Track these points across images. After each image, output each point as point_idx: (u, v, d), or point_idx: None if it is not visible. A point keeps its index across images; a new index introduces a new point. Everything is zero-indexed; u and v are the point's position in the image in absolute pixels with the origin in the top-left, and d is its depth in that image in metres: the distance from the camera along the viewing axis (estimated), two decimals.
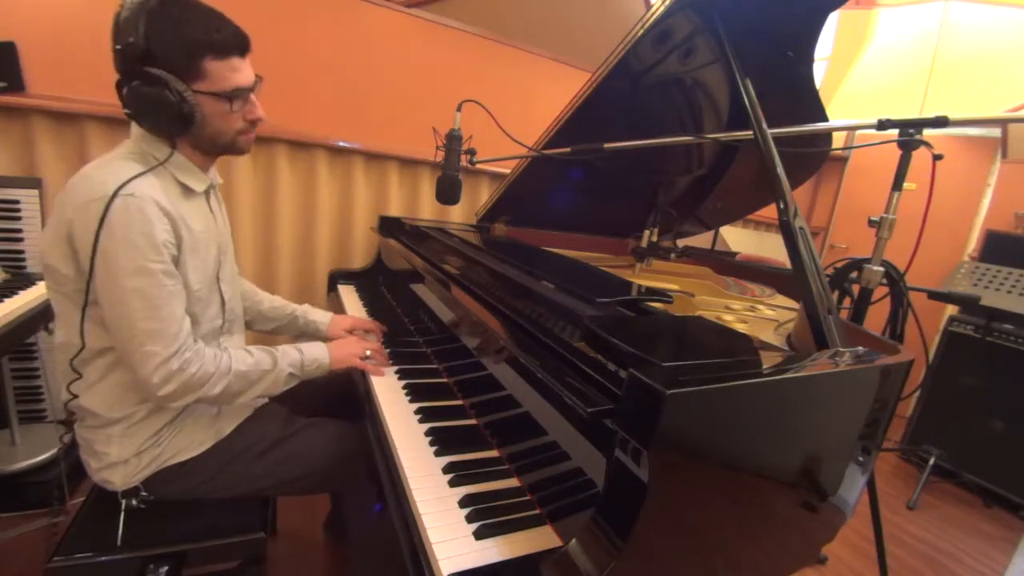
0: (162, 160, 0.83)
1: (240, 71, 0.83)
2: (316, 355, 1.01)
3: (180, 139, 0.85)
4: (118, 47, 0.76)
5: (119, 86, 0.78)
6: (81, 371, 0.83)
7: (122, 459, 0.87)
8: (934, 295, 1.36)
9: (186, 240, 0.83)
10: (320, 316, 1.27)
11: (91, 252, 0.74)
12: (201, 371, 0.83)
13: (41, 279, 1.34)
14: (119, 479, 0.88)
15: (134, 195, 0.75)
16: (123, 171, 0.77)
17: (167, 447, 0.90)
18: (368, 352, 1.09)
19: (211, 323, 0.93)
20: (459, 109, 1.21)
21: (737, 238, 3.19)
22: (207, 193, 0.94)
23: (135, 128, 0.84)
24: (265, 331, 1.27)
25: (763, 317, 1.19)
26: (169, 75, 0.76)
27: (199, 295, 0.88)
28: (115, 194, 0.74)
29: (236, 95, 0.83)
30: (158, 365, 0.78)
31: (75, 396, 0.84)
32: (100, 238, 0.73)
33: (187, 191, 0.88)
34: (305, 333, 1.27)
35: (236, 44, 0.82)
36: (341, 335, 1.23)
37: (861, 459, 0.78)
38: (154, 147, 0.84)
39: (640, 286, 0.97)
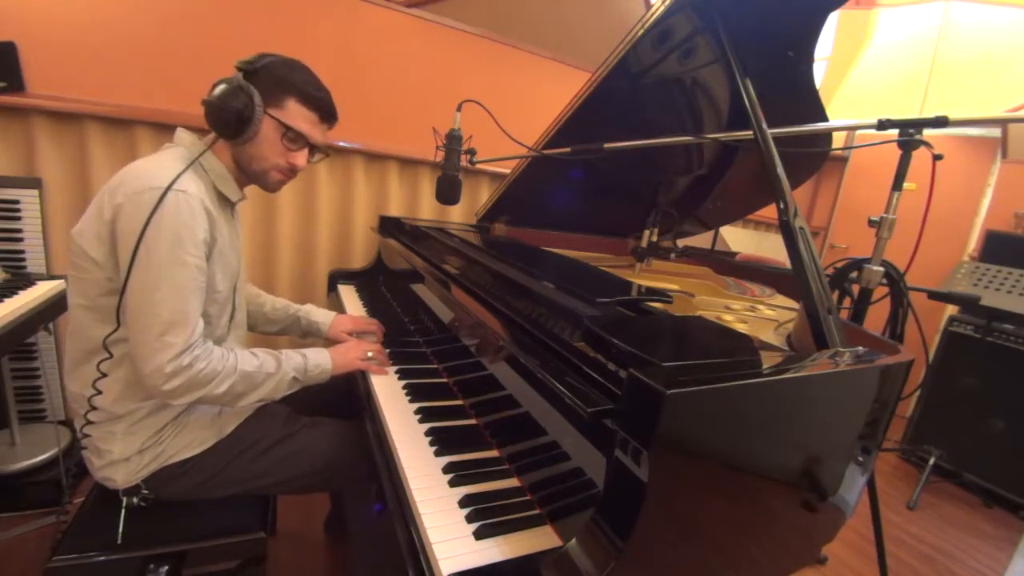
0: (196, 156, 0.89)
1: (313, 126, 0.94)
2: (319, 361, 1.02)
3: (226, 150, 0.92)
4: (237, 64, 0.88)
5: (215, 85, 0.87)
6: (104, 356, 0.83)
7: (124, 457, 0.87)
8: (934, 295, 1.36)
9: (218, 243, 0.88)
10: (322, 317, 1.28)
11: (137, 238, 0.77)
12: (208, 368, 0.84)
13: (41, 279, 1.34)
14: (121, 477, 0.88)
15: (187, 192, 0.81)
16: (174, 169, 0.82)
17: (169, 445, 0.90)
18: (370, 353, 1.09)
19: (221, 329, 0.96)
20: (459, 109, 1.21)
21: (737, 238, 3.19)
22: (234, 208, 1.00)
23: (184, 134, 0.92)
24: (269, 332, 1.28)
25: (763, 317, 1.19)
26: (255, 89, 0.86)
27: (218, 298, 0.91)
28: (169, 187, 0.79)
29: (295, 135, 0.92)
30: (172, 357, 0.79)
31: (104, 375, 0.84)
32: (148, 226, 0.77)
33: (223, 201, 0.94)
34: (308, 333, 1.28)
35: (323, 108, 0.95)
36: (342, 336, 1.24)
37: (861, 459, 0.78)
38: (203, 156, 0.90)
39: (640, 286, 0.97)
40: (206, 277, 0.86)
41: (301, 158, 0.96)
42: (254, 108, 0.87)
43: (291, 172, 0.96)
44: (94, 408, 0.86)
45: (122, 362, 0.85)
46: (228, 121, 0.86)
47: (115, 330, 0.82)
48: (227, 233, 0.93)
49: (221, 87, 0.86)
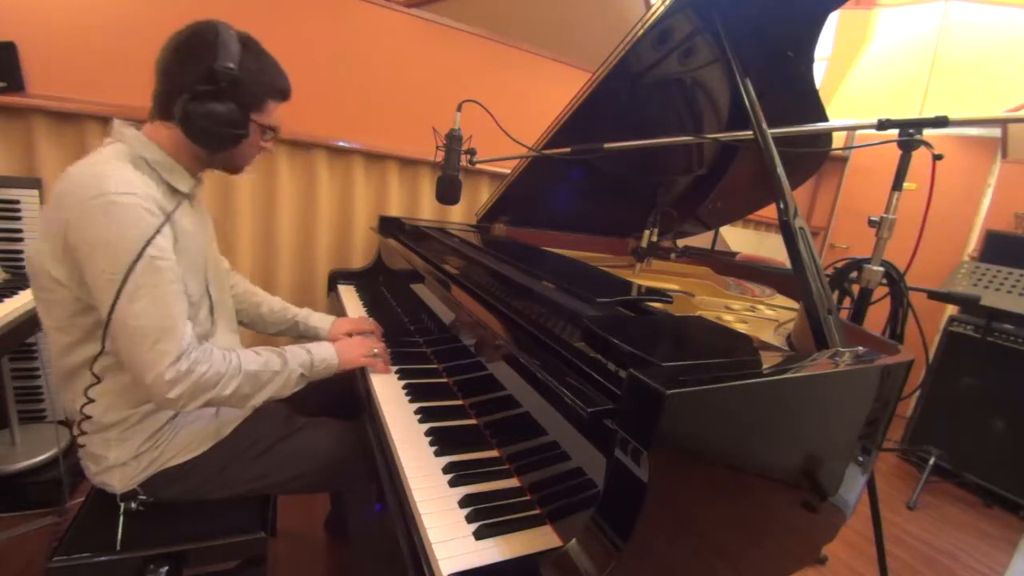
0: (150, 162, 0.84)
1: (279, 113, 0.95)
2: (324, 355, 1.01)
3: (169, 136, 0.85)
4: (210, 64, 0.79)
5: (180, 90, 0.80)
6: (94, 372, 0.81)
7: (120, 462, 0.86)
8: (934, 295, 1.36)
9: (180, 240, 0.84)
10: (321, 322, 1.26)
11: (97, 251, 0.73)
12: (212, 371, 0.82)
13: None
14: (118, 482, 0.87)
15: (136, 194, 0.75)
16: (121, 171, 0.77)
17: (166, 449, 0.89)
18: (375, 350, 1.09)
19: (202, 326, 0.92)
20: (459, 109, 1.21)
21: (737, 238, 3.19)
22: (191, 197, 0.93)
23: (123, 128, 0.84)
24: (265, 333, 1.27)
25: (763, 317, 1.19)
26: (243, 101, 0.84)
27: (192, 299, 0.87)
28: (118, 193, 0.73)
29: (274, 130, 0.94)
30: (169, 364, 0.77)
31: (91, 400, 0.82)
32: (106, 236, 0.73)
33: (173, 192, 0.87)
34: (306, 338, 1.26)
35: (289, 92, 0.94)
36: (342, 339, 1.23)
37: (861, 459, 0.78)
38: (145, 148, 0.83)
39: (640, 286, 0.97)
40: (180, 278, 0.82)
41: (271, 142, 0.97)
42: (248, 125, 0.86)
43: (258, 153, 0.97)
44: (87, 417, 0.85)
45: (107, 374, 0.83)
46: (221, 140, 0.84)
47: (100, 352, 0.79)
48: (187, 227, 0.88)
49: (205, 106, 0.80)
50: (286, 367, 0.94)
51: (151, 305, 0.76)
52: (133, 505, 0.89)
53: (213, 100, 0.81)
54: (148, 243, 0.75)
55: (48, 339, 0.84)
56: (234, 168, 0.96)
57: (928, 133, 0.93)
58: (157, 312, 0.76)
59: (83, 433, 0.87)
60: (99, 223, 0.73)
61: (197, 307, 0.90)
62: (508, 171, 1.57)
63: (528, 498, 0.73)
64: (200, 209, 0.99)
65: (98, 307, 0.76)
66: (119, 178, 0.75)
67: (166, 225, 0.79)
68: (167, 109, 0.83)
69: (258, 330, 1.26)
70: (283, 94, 0.92)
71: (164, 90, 0.84)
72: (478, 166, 1.29)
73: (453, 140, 1.24)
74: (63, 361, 0.83)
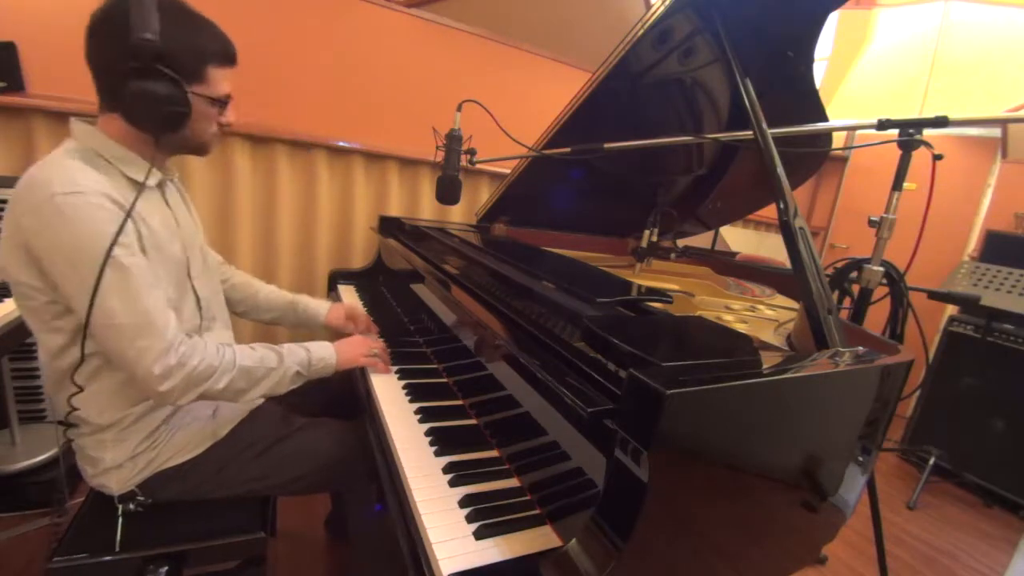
0: (108, 157, 0.80)
1: (229, 80, 0.87)
2: (323, 354, 1.00)
3: (121, 128, 0.81)
4: (129, 40, 0.73)
5: (109, 75, 0.78)
6: (75, 381, 0.80)
7: (116, 464, 0.86)
8: (934, 295, 1.36)
9: (145, 237, 0.80)
10: (317, 305, 1.27)
11: (57, 255, 0.72)
12: (204, 364, 0.81)
13: None
14: (115, 484, 0.87)
15: (84, 192, 0.72)
16: (68, 170, 0.74)
17: (163, 450, 0.89)
18: (375, 350, 1.09)
19: (189, 322, 0.91)
20: (459, 109, 1.21)
21: (737, 238, 3.19)
22: (162, 189, 0.91)
23: (79, 126, 0.81)
24: (263, 320, 1.27)
25: (763, 317, 1.19)
26: (178, 76, 0.77)
27: (168, 293, 0.85)
28: (65, 193, 0.71)
29: (226, 101, 0.87)
30: (155, 359, 0.76)
31: (75, 409, 0.82)
32: (60, 243, 0.71)
33: (136, 186, 0.82)
34: (302, 323, 1.27)
35: (233, 56, 0.87)
36: (339, 323, 1.24)
37: (861, 459, 0.78)
38: (96, 142, 0.80)
39: (640, 286, 0.97)
40: (151, 271, 0.79)
41: (231, 112, 0.89)
42: (187, 100, 0.79)
43: (223, 130, 0.90)
44: (81, 421, 0.84)
45: (99, 374, 0.82)
46: (159, 124, 0.78)
47: (82, 360, 0.77)
48: (156, 222, 0.84)
49: (138, 86, 0.75)
50: (282, 364, 0.93)
51: (123, 303, 0.74)
52: (132, 506, 0.89)
53: (140, 79, 0.74)
54: (113, 243, 0.72)
55: (38, 343, 0.83)
56: (196, 149, 0.89)
57: (928, 133, 0.93)
58: (131, 310, 0.74)
59: (71, 441, 0.86)
60: (53, 227, 0.71)
61: (179, 303, 0.88)
62: (508, 171, 1.57)
63: (528, 498, 0.73)
64: (178, 200, 0.95)
65: (74, 309, 0.75)
66: (64, 178, 0.72)
67: (121, 220, 0.75)
68: (105, 97, 0.80)
69: (254, 317, 1.25)
70: (225, 58, 0.84)
71: (96, 77, 0.80)
72: (478, 166, 1.29)
73: (453, 140, 1.24)
74: (55, 364, 0.82)
